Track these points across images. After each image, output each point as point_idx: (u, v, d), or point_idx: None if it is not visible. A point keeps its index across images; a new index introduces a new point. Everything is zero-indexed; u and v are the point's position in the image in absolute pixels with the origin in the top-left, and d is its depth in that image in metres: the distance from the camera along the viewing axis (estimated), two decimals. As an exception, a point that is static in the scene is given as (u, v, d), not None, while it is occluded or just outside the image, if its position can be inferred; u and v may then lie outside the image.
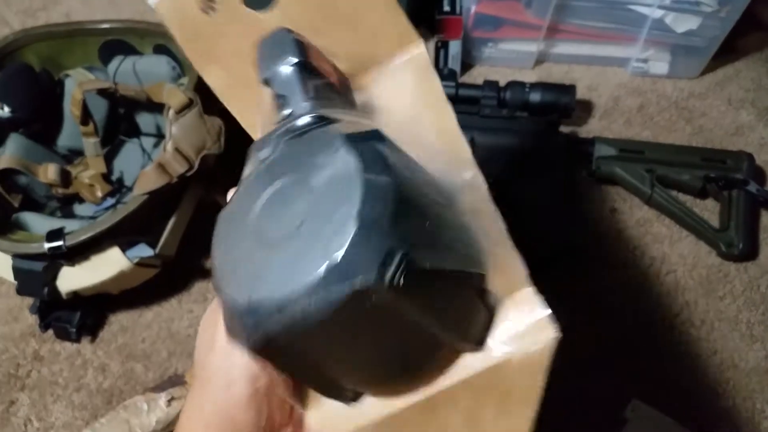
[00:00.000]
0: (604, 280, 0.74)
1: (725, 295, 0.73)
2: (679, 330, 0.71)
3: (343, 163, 0.24)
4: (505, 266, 0.28)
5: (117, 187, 0.76)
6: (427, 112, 0.35)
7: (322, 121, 0.27)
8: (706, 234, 0.76)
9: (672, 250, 0.77)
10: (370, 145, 0.25)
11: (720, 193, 0.78)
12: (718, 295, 0.73)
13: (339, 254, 0.22)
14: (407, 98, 0.36)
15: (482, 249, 0.29)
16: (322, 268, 0.22)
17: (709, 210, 0.79)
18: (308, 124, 0.27)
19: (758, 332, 0.70)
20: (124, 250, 0.64)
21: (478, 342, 0.29)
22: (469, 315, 0.28)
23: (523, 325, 0.28)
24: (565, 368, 0.67)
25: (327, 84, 0.30)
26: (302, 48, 0.30)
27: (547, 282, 0.72)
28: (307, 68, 0.29)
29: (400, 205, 0.23)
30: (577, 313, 0.71)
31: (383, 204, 0.23)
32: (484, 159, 0.82)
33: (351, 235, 0.22)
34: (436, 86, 0.35)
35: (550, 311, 0.26)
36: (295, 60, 0.29)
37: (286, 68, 0.29)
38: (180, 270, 0.74)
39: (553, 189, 0.78)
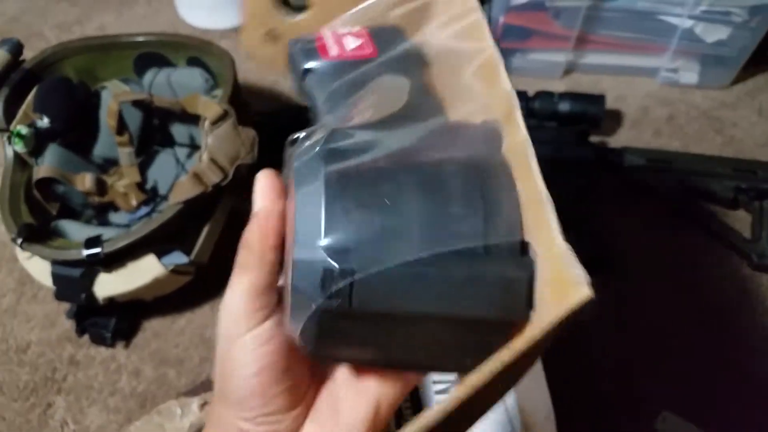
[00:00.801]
0: (636, 289, 0.74)
1: (757, 306, 0.72)
2: (711, 343, 0.70)
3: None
4: (542, 223, 0.26)
5: (151, 196, 0.78)
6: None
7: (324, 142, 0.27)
8: (737, 245, 0.75)
9: (703, 260, 0.76)
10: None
11: (751, 203, 0.77)
12: (752, 306, 0.72)
13: None
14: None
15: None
16: None
17: (740, 221, 0.79)
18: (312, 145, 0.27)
19: (793, 345, 0.70)
20: (159, 258, 0.65)
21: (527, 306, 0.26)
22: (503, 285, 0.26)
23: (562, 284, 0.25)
24: (595, 376, 0.67)
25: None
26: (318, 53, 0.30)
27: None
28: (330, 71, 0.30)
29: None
30: (607, 322, 0.71)
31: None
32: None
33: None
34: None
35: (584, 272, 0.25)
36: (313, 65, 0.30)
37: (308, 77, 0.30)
38: (213, 277, 0.75)
39: (582, 198, 0.78)
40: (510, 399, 0.66)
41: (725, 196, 0.77)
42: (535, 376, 0.54)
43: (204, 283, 0.74)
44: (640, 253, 0.77)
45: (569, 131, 0.79)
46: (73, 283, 0.63)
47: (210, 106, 0.66)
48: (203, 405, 0.63)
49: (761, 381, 0.67)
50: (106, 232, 0.65)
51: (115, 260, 0.63)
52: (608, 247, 0.76)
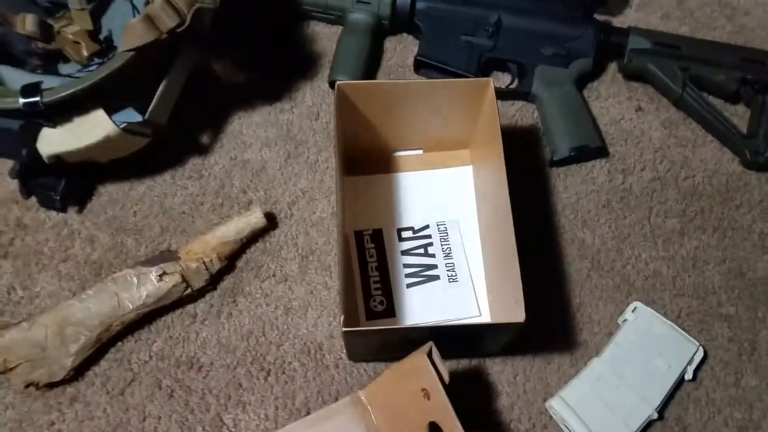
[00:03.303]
0: (620, 180, 0.70)
1: (742, 204, 0.71)
2: (690, 235, 0.68)
3: None
4: None
5: (105, 48, 0.70)
6: None
7: None
8: (733, 140, 0.72)
9: (694, 154, 0.73)
10: None
11: (754, 97, 0.73)
12: (735, 204, 0.71)
13: None
14: None
15: None
16: None
17: (738, 116, 0.75)
18: None
19: (770, 244, 0.69)
20: (110, 114, 0.58)
21: None
22: None
23: None
24: (573, 259, 0.66)
25: None
26: None
27: (559, 176, 0.67)
28: None
29: None
30: (590, 210, 0.68)
31: None
32: (510, 41, 0.76)
33: None
34: None
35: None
36: None
37: None
38: (174, 144, 0.69)
39: (578, 82, 0.73)
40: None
41: (729, 87, 0.72)
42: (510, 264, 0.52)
43: (165, 149, 0.68)
44: (630, 141, 0.73)
45: (574, 6, 0.72)
46: (11, 136, 0.57)
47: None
48: (162, 275, 0.60)
49: (736, 277, 0.67)
50: (51, 81, 0.58)
51: (59, 113, 0.57)
52: (598, 132, 0.71)
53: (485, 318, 0.62)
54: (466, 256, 0.65)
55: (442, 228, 0.66)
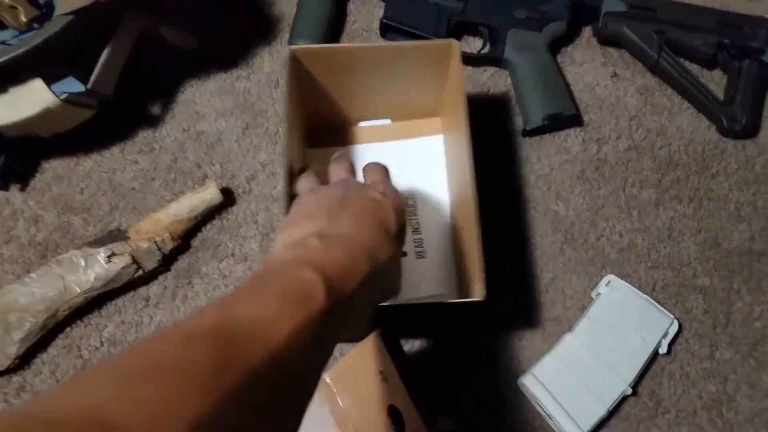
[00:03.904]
0: (595, 149, 0.68)
1: (718, 173, 0.69)
2: (666, 205, 0.66)
3: None
4: None
5: (46, 12, 0.64)
6: None
7: None
8: (709, 107, 0.69)
9: (670, 122, 0.70)
10: None
11: (731, 62, 0.70)
12: (711, 173, 0.69)
13: None
14: None
15: None
16: None
17: (715, 83, 0.72)
18: None
19: (746, 213, 0.67)
20: (48, 84, 0.54)
21: None
22: None
23: None
24: (547, 238, 0.63)
25: None
26: None
27: (533, 146, 0.64)
28: None
29: None
30: (563, 181, 0.66)
31: None
32: (481, 4, 0.72)
33: None
34: None
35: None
36: None
37: None
38: (123, 116, 0.65)
39: (551, 47, 0.70)
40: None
41: (705, 51, 0.70)
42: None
43: (112, 121, 0.64)
44: (604, 108, 0.70)
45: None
46: (-61, 108, 0.52)
47: None
48: (110, 256, 0.56)
49: (711, 248, 0.65)
50: (-20, 49, 0.53)
51: (-9, 83, 0.52)
52: (572, 99, 0.69)
53: (451, 295, 0.59)
54: (436, 231, 0.62)
55: (410, 202, 0.63)
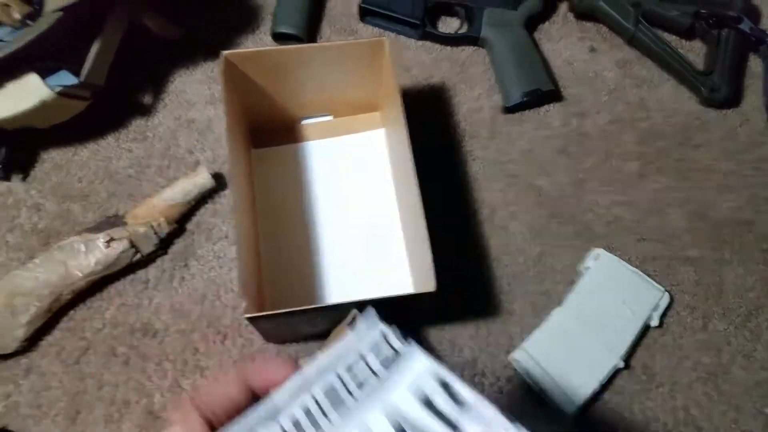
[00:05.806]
0: (576, 124, 0.69)
1: (701, 143, 0.70)
2: (651, 178, 0.67)
3: None
4: None
5: (39, 9, 0.66)
6: None
7: None
8: (689, 77, 0.70)
9: (650, 95, 0.72)
10: None
11: (709, 32, 0.71)
12: (694, 143, 0.70)
13: None
14: None
15: None
16: None
17: (694, 52, 0.74)
18: None
19: (732, 182, 0.68)
20: (43, 78, 0.56)
21: None
22: None
23: None
24: (532, 213, 0.65)
25: None
26: None
27: (514, 123, 0.65)
28: None
29: None
30: (546, 157, 0.67)
31: None
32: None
33: None
34: None
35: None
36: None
37: None
38: (116, 106, 0.67)
39: (527, 25, 0.71)
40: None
41: (682, 22, 0.71)
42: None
43: (107, 111, 0.66)
44: (584, 83, 0.71)
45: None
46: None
47: None
48: (109, 241, 0.58)
49: (699, 219, 0.66)
50: (-24, 46, 0.55)
51: (-12, 79, 0.54)
52: (551, 75, 0.70)
53: (407, 289, 0.59)
54: (384, 227, 0.62)
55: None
